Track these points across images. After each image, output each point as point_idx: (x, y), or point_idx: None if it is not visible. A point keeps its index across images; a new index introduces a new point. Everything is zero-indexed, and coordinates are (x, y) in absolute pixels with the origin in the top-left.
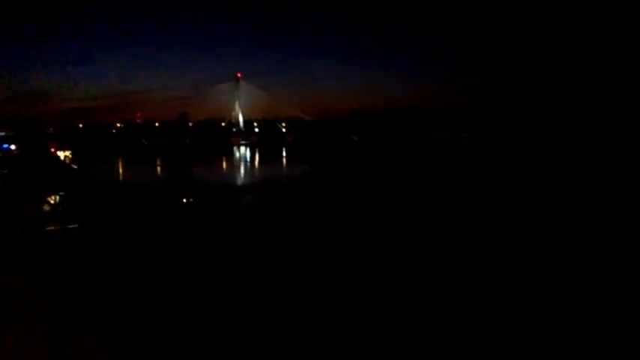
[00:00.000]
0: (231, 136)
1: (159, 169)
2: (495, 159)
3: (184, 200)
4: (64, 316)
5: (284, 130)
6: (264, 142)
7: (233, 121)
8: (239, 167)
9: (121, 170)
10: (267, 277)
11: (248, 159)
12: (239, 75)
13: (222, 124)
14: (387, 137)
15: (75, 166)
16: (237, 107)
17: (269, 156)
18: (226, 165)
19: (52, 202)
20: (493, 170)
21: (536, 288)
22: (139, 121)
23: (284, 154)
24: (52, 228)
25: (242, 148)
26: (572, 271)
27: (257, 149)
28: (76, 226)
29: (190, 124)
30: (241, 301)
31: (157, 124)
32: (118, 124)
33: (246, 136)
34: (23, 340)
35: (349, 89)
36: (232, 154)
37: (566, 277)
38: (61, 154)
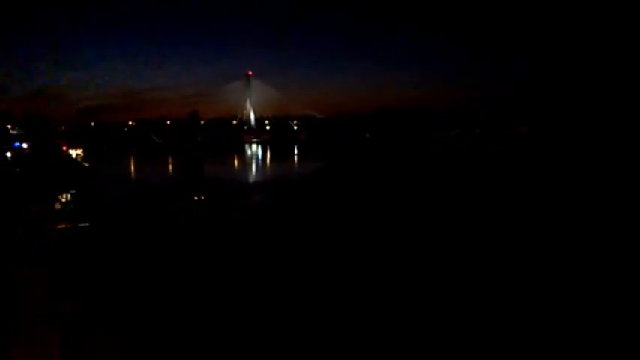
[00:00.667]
0: (243, 134)
1: (170, 167)
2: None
3: (195, 198)
4: (70, 313)
5: (296, 128)
6: (276, 140)
7: (244, 119)
8: (250, 165)
9: (132, 169)
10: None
11: (259, 157)
12: (250, 73)
13: (234, 122)
14: (399, 135)
15: (87, 165)
16: (248, 105)
17: (281, 154)
18: (237, 163)
19: (63, 200)
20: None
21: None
22: (150, 119)
23: (296, 152)
24: (63, 226)
25: (253, 146)
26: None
27: (268, 147)
28: (87, 224)
29: (202, 122)
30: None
31: (168, 123)
32: (130, 123)
33: (257, 134)
34: (31, 336)
35: (362, 87)
36: (244, 152)
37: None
38: (73, 153)
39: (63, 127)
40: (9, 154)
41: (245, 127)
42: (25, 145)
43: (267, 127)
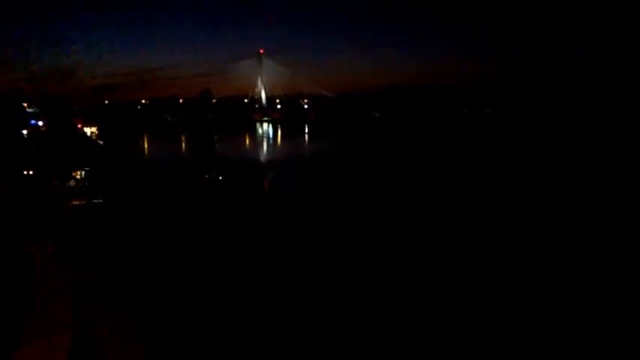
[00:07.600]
0: (254, 112)
1: (183, 146)
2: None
3: (206, 177)
4: (86, 285)
5: (306, 106)
6: (287, 118)
7: (255, 97)
8: (261, 143)
9: (145, 146)
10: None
11: (270, 135)
12: (261, 51)
13: (245, 100)
14: (408, 114)
15: (101, 142)
16: (259, 84)
17: (291, 132)
18: (249, 141)
19: (77, 177)
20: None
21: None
22: (162, 97)
23: (306, 130)
24: (77, 203)
25: (264, 125)
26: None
27: (279, 126)
28: (101, 201)
29: (214, 101)
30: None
31: (180, 101)
32: (143, 101)
33: (268, 112)
34: (48, 308)
35: (372, 66)
36: (255, 130)
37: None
38: (88, 131)
39: (78, 105)
40: (25, 132)
41: (256, 106)
42: (40, 123)
43: (278, 106)
